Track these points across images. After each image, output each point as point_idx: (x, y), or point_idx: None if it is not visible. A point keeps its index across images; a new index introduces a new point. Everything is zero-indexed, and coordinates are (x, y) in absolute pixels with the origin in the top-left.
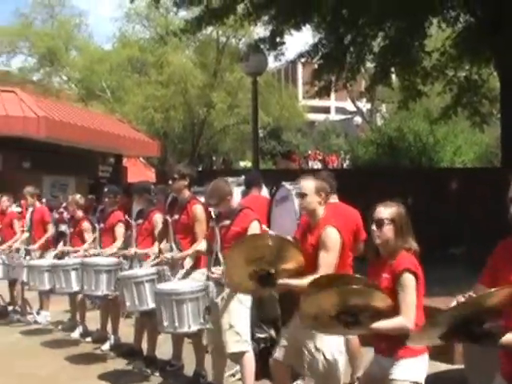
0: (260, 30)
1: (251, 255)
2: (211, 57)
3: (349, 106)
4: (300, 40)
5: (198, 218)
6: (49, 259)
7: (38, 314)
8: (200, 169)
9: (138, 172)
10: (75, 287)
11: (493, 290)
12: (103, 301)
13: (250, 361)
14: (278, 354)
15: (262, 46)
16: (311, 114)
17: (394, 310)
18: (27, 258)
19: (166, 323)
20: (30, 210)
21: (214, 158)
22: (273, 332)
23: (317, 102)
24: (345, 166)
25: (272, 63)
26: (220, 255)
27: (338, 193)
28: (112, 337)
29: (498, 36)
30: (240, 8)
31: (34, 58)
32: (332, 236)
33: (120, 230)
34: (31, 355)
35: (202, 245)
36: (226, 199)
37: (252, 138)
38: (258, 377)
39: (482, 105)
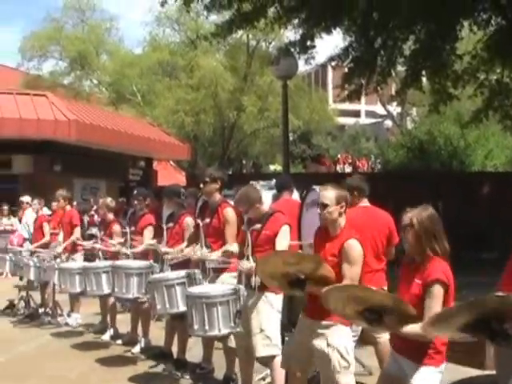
0: (290, 34)
1: (289, 260)
2: (241, 60)
3: (379, 109)
4: (330, 43)
5: (229, 221)
6: (79, 262)
7: (68, 316)
8: (230, 172)
9: (168, 175)
10: (106, 290)
11: None
12: (134, 303)
13: (279, 365)
14: (285, 355)
15: (292, 50)
16: (341, 117)
17: (420, 318)
18: (57, 260)
19: (196, 326)
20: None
21: (243, 162)
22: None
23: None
24: (375, 169)
25: (302, 67)
26: (251, 259)
27: (368, 196)
28: (142, 339)
29: None
30: (271, 11)
31: (65, 62)
32: (356, 249)
33: (148, 233)
34: (61, 357)
35: (232, 247)
36: (254, 205)
37: (282, 142)
38: (287, 381)
39: None
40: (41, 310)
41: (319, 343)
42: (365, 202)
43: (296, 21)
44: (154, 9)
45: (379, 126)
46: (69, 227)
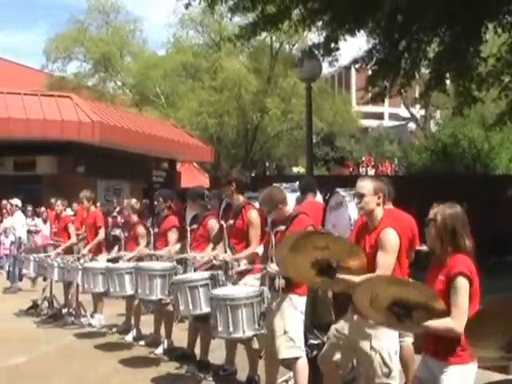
0: (314, 36)
1: (320, 244)
2: (265, 62)
3: (402, 112)
4: (354, 46)
5: (253, 222)
6: (103, 262)
7: (92, 316)
8: (253, 174)
9: (192, 177)
10: (129, 291)
11: None
12: (157, 305)
13: (303, 367)
14: (327, 350)
15: (316, 52)
16: (364, 119)
17: (448, 313)
18: (81, 261)
19: (220, 328)
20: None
21: (267, 164)
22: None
23: (370, 108)
24: (399, 172)
25: (326, 69)
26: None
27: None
28: (165, 341)
29: None
30: (295, 14)
31: (89, 64)
32: (392, 237)
33: (172, 235)
34: (84, 358)
35: (256, 248)
36: (278, 206)
37: (306, 144)
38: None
39: None
40: (64, 311)
41: (363, 344)
42: (389, 205)
43: (320, 23)
44: (178, 11)
45: (403, 128)
46: (93, 228)
